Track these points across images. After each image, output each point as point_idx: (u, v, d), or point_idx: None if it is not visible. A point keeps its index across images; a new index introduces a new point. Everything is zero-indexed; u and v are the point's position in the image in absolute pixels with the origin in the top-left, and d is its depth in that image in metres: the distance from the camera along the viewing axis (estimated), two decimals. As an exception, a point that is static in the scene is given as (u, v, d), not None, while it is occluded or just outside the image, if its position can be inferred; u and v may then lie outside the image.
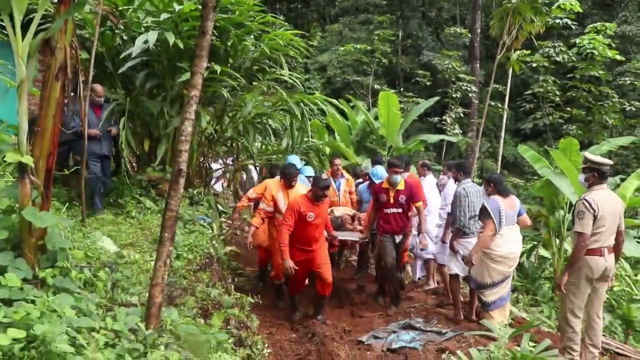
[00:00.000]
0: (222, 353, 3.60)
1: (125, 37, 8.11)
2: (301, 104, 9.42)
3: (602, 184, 5.05)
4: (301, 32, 10.95)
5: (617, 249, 5.19)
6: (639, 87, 21.11)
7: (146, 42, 7.24)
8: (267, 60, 9.38)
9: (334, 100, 10.65)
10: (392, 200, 6.91)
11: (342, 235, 7.62)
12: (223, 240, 8.73)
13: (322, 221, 6.55)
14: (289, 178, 6.90)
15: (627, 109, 20.30)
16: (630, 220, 11.05)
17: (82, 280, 3.75)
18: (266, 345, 4.83)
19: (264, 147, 11.30)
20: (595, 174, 5.04)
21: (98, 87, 7.38)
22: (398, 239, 7.01)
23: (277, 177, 7.34)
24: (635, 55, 22.94)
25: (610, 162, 5.22)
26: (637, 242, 11.38)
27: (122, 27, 7.96)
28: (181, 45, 7.38)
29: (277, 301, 7.35)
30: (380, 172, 7.59)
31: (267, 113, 9.88)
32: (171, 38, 7.24)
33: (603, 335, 5.89)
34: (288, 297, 7.09)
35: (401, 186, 6.92)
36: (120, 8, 7.79)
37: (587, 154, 5.30)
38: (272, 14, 9.77)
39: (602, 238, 4.91)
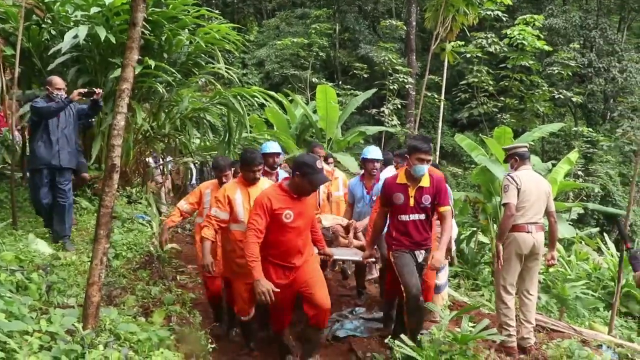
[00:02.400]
0: (164, 350, 3.53)
1: (53, 32, 7.83)
2: (238, 97, 9.34)
3: (525, 165, 5.37)
4: (237, 25, 10.85)
5: (551, 230, 5.43)
6: (566, 76, 22.02)
7: (76, 37, 7.05)
8: (203, 55, 9.28)
9: (272, 93, 10.60)
10: (412, 203, 4.71)
11: (339, 254, 5.62)
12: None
13: (305, 224, 4.53)
14: (250, 165, 4.75)
15: (557, 97, 21.22)
16: (561, 203, 11.53)
17: (13, 283, 3.61)
18: (210, 340, 4.76)
19: (202, 142, 11.17)
20: (515, 158, 5.42)
21: (55, 79, 6.15)
22: (421, 256, 4.83)
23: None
24: (562, 46, 23.91)
25: (523, 143, 5.62)
26: (570, 224, 11.92)
27: (49, 21, 7.68)
28: (113, 40, 7.20)
29: (247, 346, 5.23)
30: (373, 150, 5.96)
31: (204, 108, 9.75)
32: (102, 33, 7.06)
33: (539, 313, 6.12)
34: (273, 336, 4.99)
35: (425, 182, 4.71)
36: (46, 1, 7.52)
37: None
38: (208, 8, 9.67)
39: (528, 214, 5.14)
